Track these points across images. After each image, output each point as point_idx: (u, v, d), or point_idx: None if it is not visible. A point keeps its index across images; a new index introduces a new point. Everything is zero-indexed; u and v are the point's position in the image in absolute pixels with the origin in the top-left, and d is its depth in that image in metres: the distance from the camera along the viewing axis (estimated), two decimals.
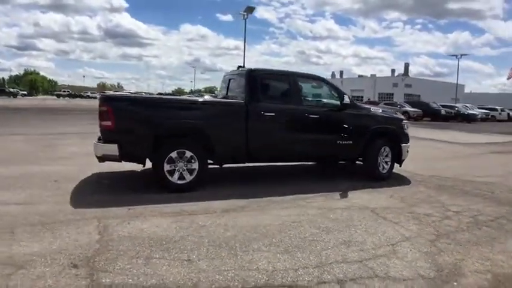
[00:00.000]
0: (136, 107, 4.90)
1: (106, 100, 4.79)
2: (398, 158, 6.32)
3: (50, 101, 47.74)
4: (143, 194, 4.72)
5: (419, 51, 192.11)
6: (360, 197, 5.01)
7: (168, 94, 66.06)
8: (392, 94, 70.91)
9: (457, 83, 61.04)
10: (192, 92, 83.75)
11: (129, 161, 4.89)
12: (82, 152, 7.38)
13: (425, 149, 10.61)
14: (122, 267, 2.74)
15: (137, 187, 5.13)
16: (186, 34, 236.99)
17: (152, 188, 4.94)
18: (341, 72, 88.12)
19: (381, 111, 6.62)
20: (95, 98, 52.01)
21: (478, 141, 13.85)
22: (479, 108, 36.90)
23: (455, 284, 2.73)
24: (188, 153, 4.89)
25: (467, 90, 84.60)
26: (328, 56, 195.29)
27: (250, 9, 37.00)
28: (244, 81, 5.44)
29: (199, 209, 4.22)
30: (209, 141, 5.00)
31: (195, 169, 4.94)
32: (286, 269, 2.82)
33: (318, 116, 5.67)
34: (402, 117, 7.18)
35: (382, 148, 6.07)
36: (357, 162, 6.40)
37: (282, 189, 5.19)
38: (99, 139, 5.29)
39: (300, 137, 5.59)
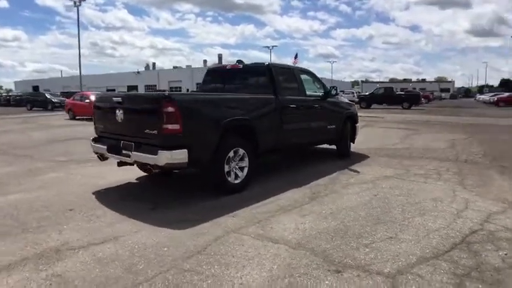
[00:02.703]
0: (200, 107, 4.33)
1: (172, 100, 3.99)
2: (352, 136, 7.66)
3: None
4: (209, 201, 4.34)
5: (213, 43, 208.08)
6: (367, 171, 6.04)
7: None
8: None
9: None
10: None
11: (193, 167, 4.28)
12: None
13: None
14: None
15: (186, 195, 4.58)
16: None
17: (198, 192, 4.58)
18: (153, 64, 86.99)
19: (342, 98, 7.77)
20: None
21: None
22: None
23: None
24: (241, 151, 4.72)
25: None
26: (123, 47, 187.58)
27: None
28: (268, 76, 5.52)
29: (292, 201, 4.33)
30: (255, 136, 4.92)
31: (245, 167, 4.81)
32: None
33: (317, 105, 6.32)
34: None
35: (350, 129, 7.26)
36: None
37: (304, 178, 5.67)
38: (94, 140, 4.89)
39: (310, 125, 6.18)
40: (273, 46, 69.11)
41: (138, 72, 74.87)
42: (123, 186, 5.23)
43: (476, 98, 57.34)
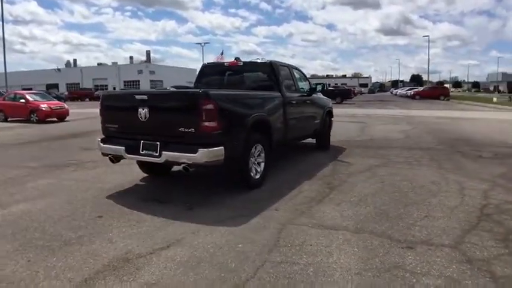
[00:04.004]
0: (232, 104, 4.35)
1: (211, 97, 3.93)
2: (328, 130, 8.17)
3: None
4: (237, 197, 4.43)
5: (133, 38, 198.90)
6: (355, 161, 6.56)
7: None
8: (139, 81, 72.07)
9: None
10: None
11: (226, 164, 4.27)
12: None
13: None
14: None
15: (208, 193, 4.57)
16: None
17: (218, 189, 4.65)
18: (75, 61, 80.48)
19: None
20: None
21: None
22: None
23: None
24: (259, 147, 4.85)
25: None
26: (34, 43, 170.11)
27: None
28: (272, 73, 5.67)
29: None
30: (270, 132, 5.08)
31: (262, 162, 4.95)
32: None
33: (308, 101, 6.66)
34: None
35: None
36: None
37: (308, 169, 6.01)
38: (103, 141, 4.68)
39: (304, 120, 6.52)
40: (205, 43, 68.67)
41: (59, 69, 68.72)
42: (133, 188, 5.02)
43: (393, 92, 63.34)
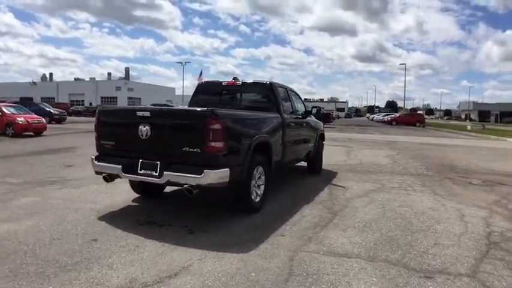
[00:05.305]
0: (238, 124, 4.22)
1: (218, 117, 3.80)
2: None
3: None
4: (239, 221, 4.28)
5: (110, 55, 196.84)
6: (350, 185, 6.53)
7: None
8: (116, 98, 70.92)
9: (184, 88, 69.19)
10: None
11: (229, 187, 4.09)
12: None
13: None
14: None
15: (207, 216, 4.37)
16: None
17: (216, 212, 4.49)
18: (51, 75, 78.81)
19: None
20: None
21: None
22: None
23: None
24: (260, 169, 4.73)
25: (178, 92, 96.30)
26: (8, 55, 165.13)
27: None
28: (272, 94, 5.62)
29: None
30: (270, 154, 4.97)
31: (261, 185, 4.82)
32: None
33: (304, 124, 6.62)
34: None
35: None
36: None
37: (305, 193, 5.92)
38: (98, 159, 4.40)
39: (300, 142, 6.43)
40: (186, 62, 68.86)
41: (34, 83, 66.83)
42: (125, 209, 4.75)
43: (370, 118, 65.15)
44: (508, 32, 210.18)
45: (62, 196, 5.30)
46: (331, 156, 10.61)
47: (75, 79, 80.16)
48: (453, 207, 5.15)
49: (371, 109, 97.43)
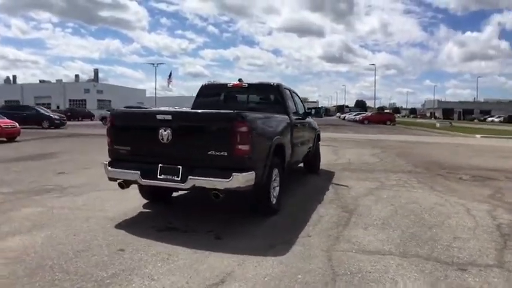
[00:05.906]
0: (260, 126, 4.21)
1: (245, 119, 3.76)
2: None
3: None
4: (260, 224, 4.30)
5: (74, 56, 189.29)
6: (352, 184, 6.68)
7: None
8: (85, 100, 68.60)
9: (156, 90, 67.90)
10: None
11: (253, 190, 4.05)
12: None
13: None
14: None
15: (226, 220, 4.36)
16: None
17: (233, 216, 4.49)
18: (14, 77, 75.11)
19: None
20: None
21: None
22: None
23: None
24: (276, 171, 4.74)
25: (148, 94, 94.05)
26: None
27: None
28: (279, 95, 5.65)
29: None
30: (284, 155, 5.00)
31: (276, 186, 4.83)
32: None
33: (306, 124, 6.70)
34: None
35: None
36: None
37: (314, 193, 5.98)
38: (111, 164, 4.28)
39: (303, 143, 6.50)
40: (158, 63, 67.85)
41: None
42: (139, 216, 4.63)
43: (341, 117, 66.65)
44: (468, 33, 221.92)
45: (66, 205, 5.08)
46: (322, 156, 10.81)
47: (40, 81, 76.78)
48: (457, 202, 5.40)
49: (340, 108, 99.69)
